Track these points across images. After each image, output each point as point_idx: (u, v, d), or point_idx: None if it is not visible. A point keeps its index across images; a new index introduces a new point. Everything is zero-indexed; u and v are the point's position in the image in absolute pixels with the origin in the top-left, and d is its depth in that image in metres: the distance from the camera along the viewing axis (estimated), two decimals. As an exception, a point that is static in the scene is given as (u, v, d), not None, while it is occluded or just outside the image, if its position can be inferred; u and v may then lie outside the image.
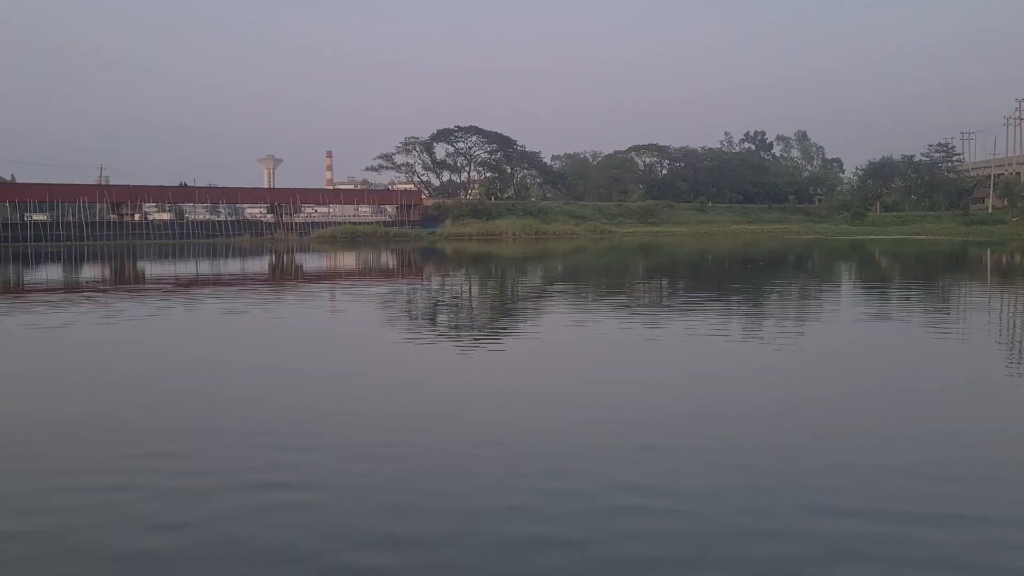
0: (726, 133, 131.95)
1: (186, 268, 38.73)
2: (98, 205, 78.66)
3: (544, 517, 5.46)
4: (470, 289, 26.19)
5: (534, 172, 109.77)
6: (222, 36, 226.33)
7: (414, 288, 26.32)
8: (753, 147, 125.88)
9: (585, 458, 6.75)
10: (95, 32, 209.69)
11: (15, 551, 5.01)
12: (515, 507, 5.63)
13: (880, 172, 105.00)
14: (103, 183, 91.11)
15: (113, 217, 78.72)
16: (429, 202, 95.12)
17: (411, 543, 5.07)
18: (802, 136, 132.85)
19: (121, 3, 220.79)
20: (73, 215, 76.18)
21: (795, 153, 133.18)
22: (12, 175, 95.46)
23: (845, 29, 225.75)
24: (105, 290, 25.80)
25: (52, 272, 36.25)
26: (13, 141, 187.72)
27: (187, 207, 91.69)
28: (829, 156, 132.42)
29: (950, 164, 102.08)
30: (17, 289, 26.63)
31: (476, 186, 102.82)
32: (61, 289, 26.32)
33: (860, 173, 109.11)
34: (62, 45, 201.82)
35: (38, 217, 78.41)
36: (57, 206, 77.84)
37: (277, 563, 4.78)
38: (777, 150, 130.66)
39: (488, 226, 79.88)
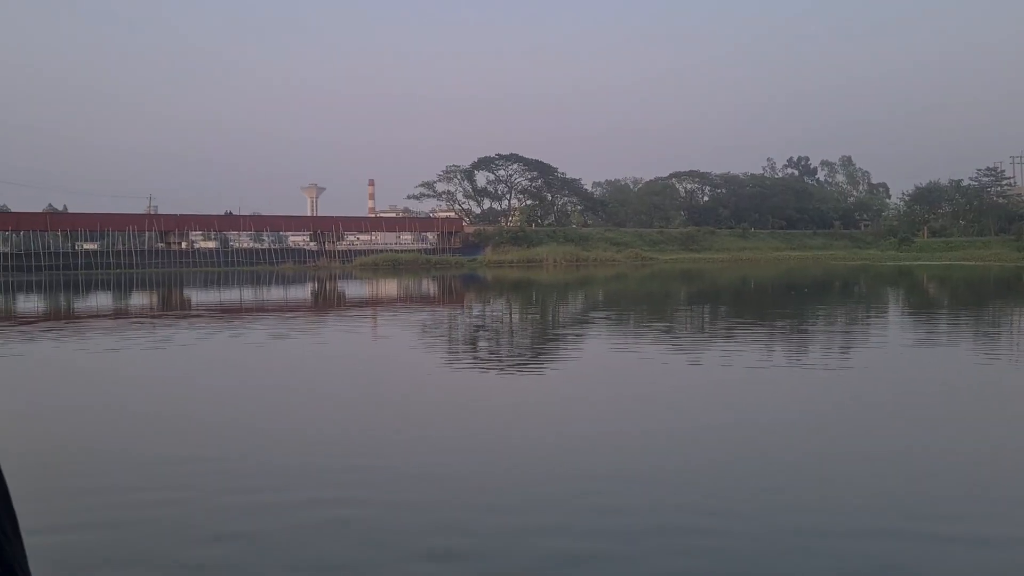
0: (768, 159, 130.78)
1: (231, 295, 39.33)
2: (147, 234, 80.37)
3: (591, 533, 5.49)
4: (511, 316, 26.20)
5: (575, 199, 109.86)
6: (265, 69, 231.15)
7: (455, 315, 26.42)
8: (796, 172, 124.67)
9: (626, 477, 6.71)
10: (145, 69, 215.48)
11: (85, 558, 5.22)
12: (561, 524, 5.61)
13: (927, 197, 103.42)
14: (152, 212, 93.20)
15: (161, 245, 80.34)
16: (470, 229, 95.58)
17: (456, 557, 5.15)
18: (847, 161, 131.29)
19: (168, 41, 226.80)
20: (123, 244, 77.92)
21: (840, 178, 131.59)
22: (64, 205, 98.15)
23: (892, 54, 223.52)
24: (155, 316, 26.31)
25: (103, 299, 37.04)
26: (67, 173, 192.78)
27: (232, 235, 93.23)
28: (875, 181, 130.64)
29: (999, 188, 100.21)
30: (72, 316, 27.23)
31: (517, 213, 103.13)
32: (112, 315, 26.87)
33: (906, 198, 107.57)
34: (114, 82, 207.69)
35: (89, 246, 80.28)
36: (107, 235, 79.73)
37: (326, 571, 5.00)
38: (821, 175, 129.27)
39: (529, 253, 79.98)
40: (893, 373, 12.47)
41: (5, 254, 73.54)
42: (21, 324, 23.42)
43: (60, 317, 26.45)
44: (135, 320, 24.27)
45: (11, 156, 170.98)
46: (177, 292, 42.16)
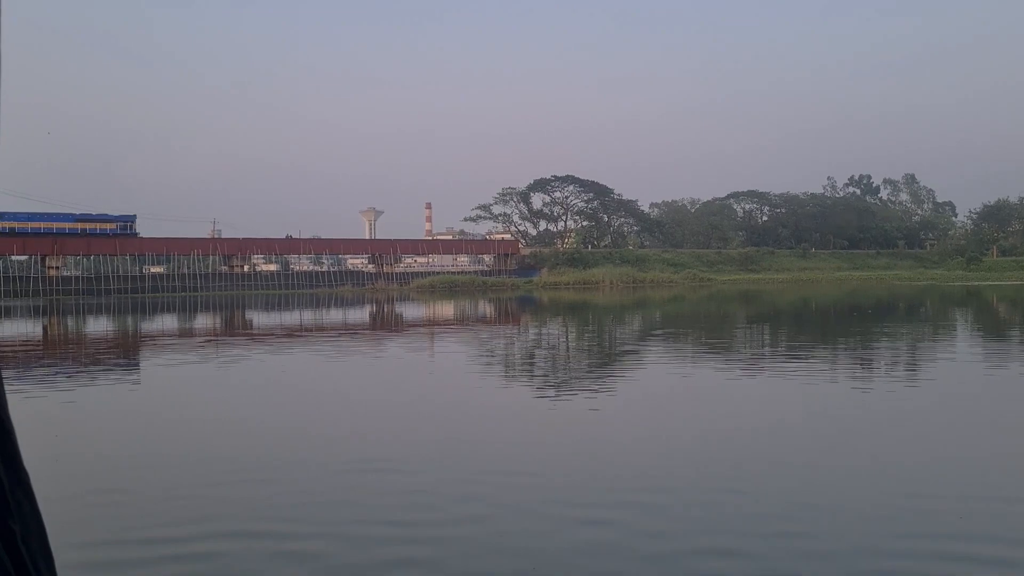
0: (829, 178, 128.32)
1: (294, 317, 39.93)
2: (211, 257, 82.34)
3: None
4: (567, 338, 26.09)
5: (631, 220, 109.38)
6: (325, 94, 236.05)
7: (512, 336, 26.41)
8: (858, 191, 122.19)
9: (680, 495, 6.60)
10: (207, 99, 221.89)
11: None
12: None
13: (996, 215, 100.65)
14: (215, 236, 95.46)
15: (224, 269, 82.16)
16: (526, 251, 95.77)
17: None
18: (910, 179, 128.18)
19: (224, 71, 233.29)
20: (188, 267, 79.95)
21: (903, 197, 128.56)
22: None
23: (953, 70, 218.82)
24: (233, 336, 26.89)
25: (194, 321, 37.97)
26: (136, 198, 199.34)
27: (292, 258, 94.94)
28: (940, 200, 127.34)
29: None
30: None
31: (572, 235, 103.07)
32: (203, 336, 27.51)
33: (974, 216, 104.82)
34: (181, 112, 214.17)
35: (156, 269, 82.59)
36: (173, 258, 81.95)
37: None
38: (884, 194, 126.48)
39: (585, 275, 79.80)
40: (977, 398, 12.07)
41: (77, 277, 76.07)
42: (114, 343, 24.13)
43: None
44: (217, 340, 24.82)
45: (85, 183, 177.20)
46: (242, 314, 42.97)
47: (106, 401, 13.16)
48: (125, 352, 22.68)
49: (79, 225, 74.74)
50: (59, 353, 22.49)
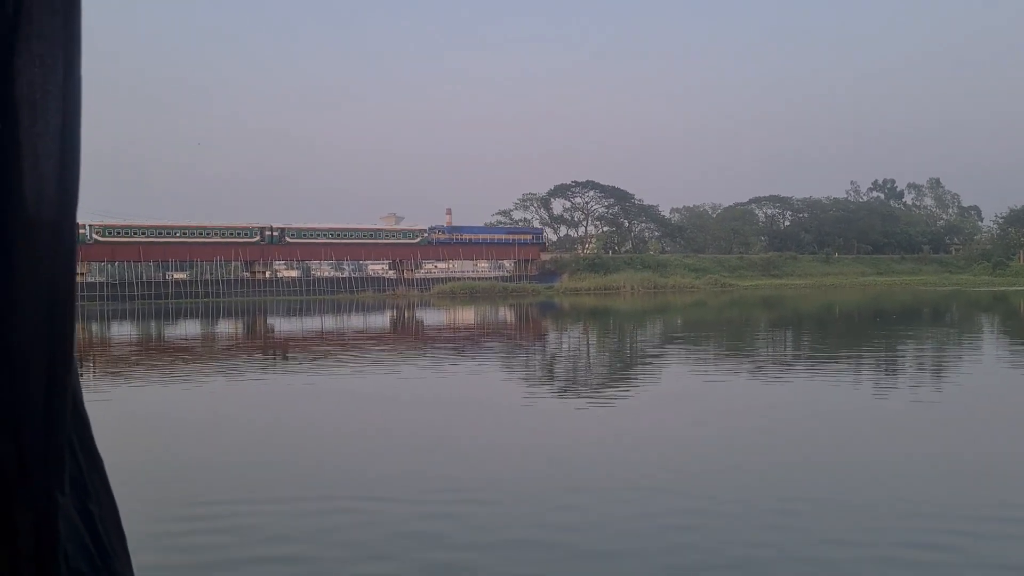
0: (852, 182, 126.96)
1: (316, 323, 40.03)
2: (233, 263, 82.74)
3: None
4: (588, 345, 25.94)
5: (652, 225, 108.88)
6: (345, 101, 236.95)
7: (536, 344, 26.31)
8: (882, 196, 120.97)
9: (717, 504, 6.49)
10: (229, 101, 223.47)
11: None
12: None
13: (1022, 219, 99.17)
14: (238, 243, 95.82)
15: (246, 275, 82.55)
16: (546, 257, 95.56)
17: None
18: (935, 184, 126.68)
19: (246, 69, 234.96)
20: (210, 273, 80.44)
21: (928, 202, 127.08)
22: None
23: (978, 74, 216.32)
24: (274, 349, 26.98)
25: (227, 326, 38.18)
26: (159, 204, 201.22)
27: (313, 264, 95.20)
28: (965, 204, 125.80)
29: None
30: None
31: (593, 240, 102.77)
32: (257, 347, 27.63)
33: (1000, 221, 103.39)
34: (203, 115, 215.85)
35: (178, 276, 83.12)
36: (196, 265, 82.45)
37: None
38: (908, 199, 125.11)
39: (605, 280, 79.45)
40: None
41: (101, 283, 76.73)
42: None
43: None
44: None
45: (107, 190, 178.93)
46: (263, 320, 43.14)
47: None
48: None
49: (511, 236, 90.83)
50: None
